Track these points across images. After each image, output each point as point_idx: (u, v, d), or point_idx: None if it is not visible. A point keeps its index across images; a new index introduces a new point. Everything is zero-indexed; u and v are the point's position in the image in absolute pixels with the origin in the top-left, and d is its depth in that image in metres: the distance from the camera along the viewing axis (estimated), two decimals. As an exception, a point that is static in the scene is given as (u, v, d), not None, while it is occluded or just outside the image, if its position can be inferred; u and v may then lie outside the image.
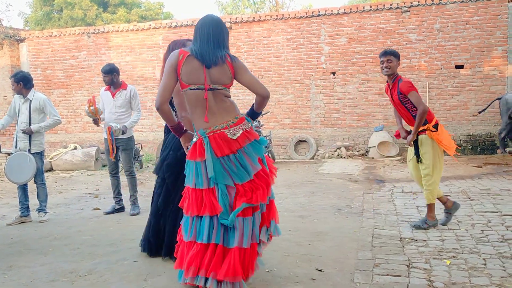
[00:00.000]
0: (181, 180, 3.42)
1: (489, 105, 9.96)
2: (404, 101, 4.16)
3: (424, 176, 4.24)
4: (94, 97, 5.45)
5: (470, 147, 10.68)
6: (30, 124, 5.23)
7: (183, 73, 2.77)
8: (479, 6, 10.48)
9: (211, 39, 2.79)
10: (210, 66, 2.75)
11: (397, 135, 4.48)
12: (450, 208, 4.39)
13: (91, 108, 5.33)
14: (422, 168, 4.25)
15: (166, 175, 3.61)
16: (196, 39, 2.83)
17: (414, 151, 4.29)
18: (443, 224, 4.35)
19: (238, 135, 2.80)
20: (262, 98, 2.87)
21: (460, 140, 10.73)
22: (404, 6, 10.81)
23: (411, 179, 7.33)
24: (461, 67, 10.66)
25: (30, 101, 5.27)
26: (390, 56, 4.15)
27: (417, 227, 4.24)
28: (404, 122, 4.41)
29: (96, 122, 5.52)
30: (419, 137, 4.20)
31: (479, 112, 10.13)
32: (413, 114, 4.16)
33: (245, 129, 2.83)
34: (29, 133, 5.19)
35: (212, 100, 2.79)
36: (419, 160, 4.25)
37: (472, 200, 5.47)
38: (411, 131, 4.24)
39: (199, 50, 2.77)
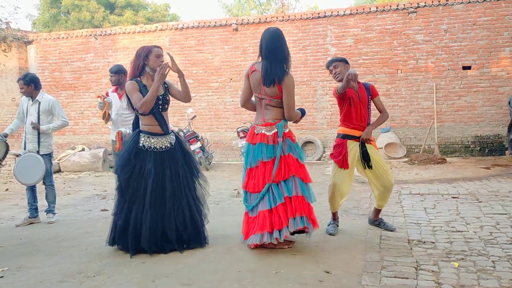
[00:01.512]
0: (133, 178, 3.80)
1: None
2: (369, 103, 4.29)
3: (390, 185, 4.21)
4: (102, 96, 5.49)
5: (478, 148, 10.61)
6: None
7: (251, 83, 3.78)
8: (486, 7, 10.41)
9: (269, 58, 3.63)
10: (266, 86, 3.65)
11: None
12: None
13: (105, 100, 5.40)
14: (384, 176, 4.18)
15: (121, 175, 3.84)
16: (260, 55, 3.73)
17: (363, 159, 4.19)
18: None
19: (259, 132, 3.74)
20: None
21: (468, 142, 10.67)
22: (411, 7, 10.76)
23: (419, 181, 7.34)
24: (469, 68, 10.59)
25: (39, 102, 5.30)
26: (335, 63, 4.27)
27: (392, 229, 4.30)
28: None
29: (104, 116, 5.52)
30: (368, 146, 4.21)
31: None
32: (368, 121, 4.28)
33: (263, 132, 3.72)
34: (37, 129, 5.21)
35: (265, 106, 3.75)
36: (368, 166, 4.19)
37: (480, 202, 5.44)
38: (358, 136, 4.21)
39: (260, 71, 3.66)
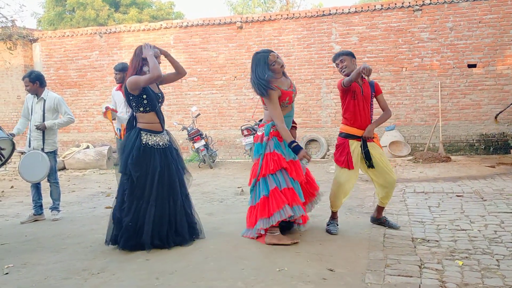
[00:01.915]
0: (145, 176, 3.79)
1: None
2: (371, 100, 4.26)
3: (393, 182, 4.17)
4: (106, 113, 5.59)
5: (483, 147, 10.57)
6: (43, 123, 5.29)
7: None
8: (492, 5, 10.35)
9: (253, 75, 3.92)
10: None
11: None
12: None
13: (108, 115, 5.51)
14: (386, 173, 4.13)
15: (133, 173, 3.80)
16: None
17: (365, 158, 4.14)
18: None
19: (257, 133, 4.11)
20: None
21: (473, 140, 10.63)
22: (416, 5, 10.71)
23: (423, 179, 7.32)
24: (474, 66, 10.54)
25: (44, 100, 5.32)
26: (341, 56, 4.22)
27: (396, 227, 4.30)
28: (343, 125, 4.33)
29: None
30: (370, 144, 4.17)
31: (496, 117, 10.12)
32: (371, 117, 4.26)
33: (256, 131, 4.14)
34: (43, 129, 5.24)
35: (263, 107, 4.10)
36: (371, 165, 4.14)
37: (485, 200, 5.42)
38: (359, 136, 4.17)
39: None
